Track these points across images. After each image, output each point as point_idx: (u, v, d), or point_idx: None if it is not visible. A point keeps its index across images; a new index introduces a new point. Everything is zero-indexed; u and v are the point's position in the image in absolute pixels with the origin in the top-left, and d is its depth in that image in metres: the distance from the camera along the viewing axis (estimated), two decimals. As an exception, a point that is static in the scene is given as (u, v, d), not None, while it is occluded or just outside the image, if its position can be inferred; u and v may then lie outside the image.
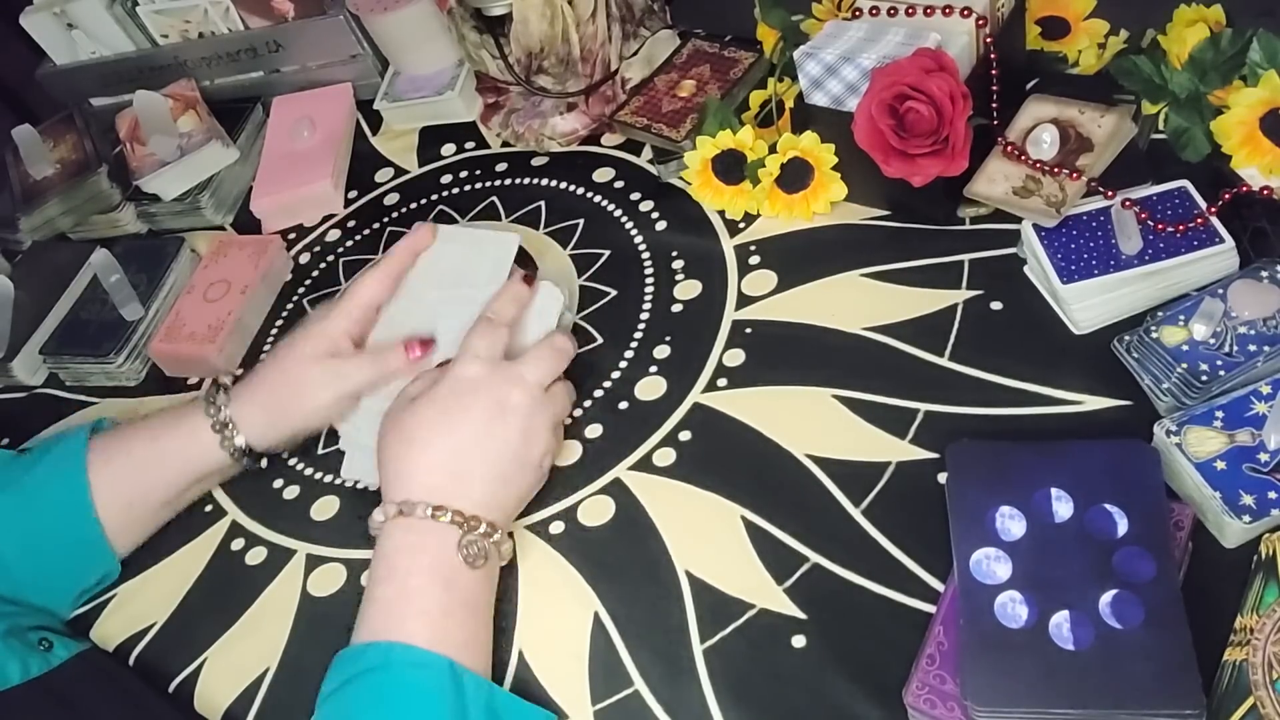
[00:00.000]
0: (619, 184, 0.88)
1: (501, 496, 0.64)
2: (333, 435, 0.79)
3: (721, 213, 0.82)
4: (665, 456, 0.69)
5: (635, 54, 0.94)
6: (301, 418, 0.72)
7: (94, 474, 0.71)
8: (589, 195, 0.89)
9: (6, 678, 0.63)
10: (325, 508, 0.75)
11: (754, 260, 0.78)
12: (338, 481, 0.76)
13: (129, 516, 0.72)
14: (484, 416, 0.64)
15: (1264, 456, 0.56)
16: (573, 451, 0.72)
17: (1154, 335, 0.62)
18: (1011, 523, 0.56)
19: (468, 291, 0.73)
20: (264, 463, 0.76)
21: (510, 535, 0.64)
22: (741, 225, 0.81)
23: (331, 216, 0.97)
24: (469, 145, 0.98)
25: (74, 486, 0.70)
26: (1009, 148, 0.71)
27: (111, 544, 0.72)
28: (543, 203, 0.89)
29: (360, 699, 0.56)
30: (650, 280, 0.80)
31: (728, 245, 0.80)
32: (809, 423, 0.68)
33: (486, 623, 0.62)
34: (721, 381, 0.72)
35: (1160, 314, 0.63)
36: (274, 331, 0.89)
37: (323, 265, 0.93)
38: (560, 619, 0.64)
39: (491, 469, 0.64)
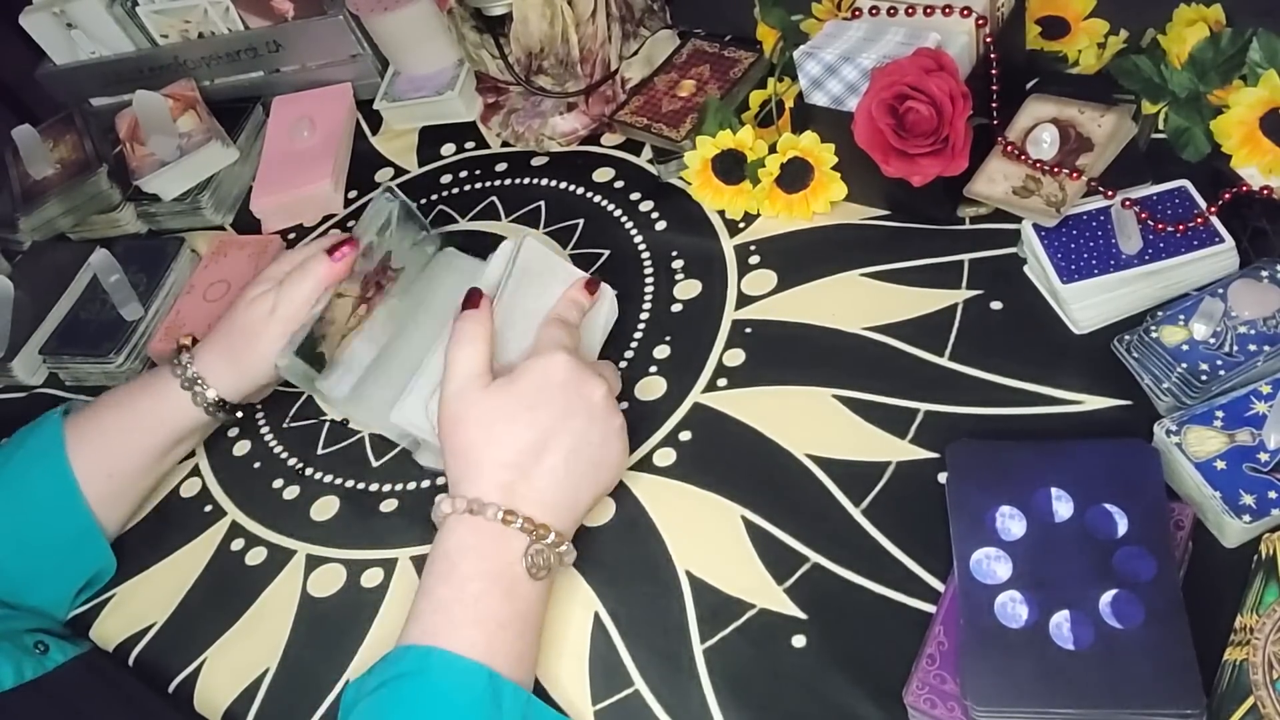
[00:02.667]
0: (619, 184, 0.88)
1: (571, 501, 0.62)
2: (333, 434, 0.79)
3: (721, 212, 0.82)
4: (665, 456, 0.69)
5: (635, 54, 0.94)
6: (263, 362, 0.73)
7: (72, 451, 0.72)
8: (589, 195, 0.89)
9: None
10: (325, 508, 0.75)
11: (754, 260, 0.78)
12: (338, 482, 0.76)
13: (111, 488, 0.73)
14: (567, 411, 0.61)
15: (1264, 456, 0.56)
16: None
17: (1154, 335, 0.62)
18: (1011, 522, 0.56)
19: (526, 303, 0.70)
20: (239, 414, 0.78)
21: (572, 545, 0.62)
22: (741, 225, 0.81)
23: (331, 216, 0.97)
24: (469, 145, 0.98)
25: (56, 467, 0.71)
26: (1009, 147, 0.71)
27: (99, 522, 0.72)
28: (542, 203, 0.89)
29: (396, 703, 0.55)
30: (650, 280, 0.80)
31: (728, 245, 0.80)
32: (809, 422, 0.68)
33: (537, 635, 0.60)
34: (721, 381, 0.72)
35: (1160, 314, 0.63)
36: (274, 331, 0.89)
37: (323, 265, 0.93)
38: (560, 619, 0.64)
39: (568, 470, 0.61)
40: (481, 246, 0.88)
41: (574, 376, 0.62)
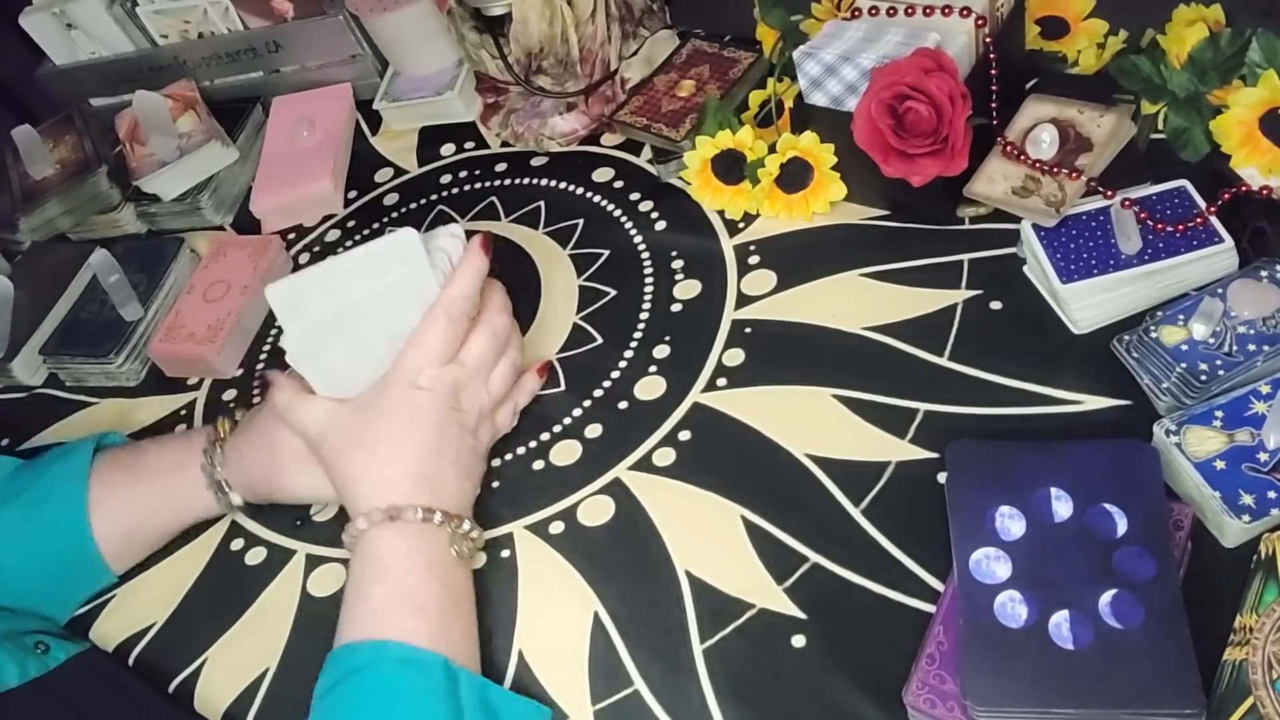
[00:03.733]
0: (618, 184, 0.88)
1: (468, 490, 0.67)
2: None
3: (721, 213, 0.82)
4: (665, 456, 0.69)
5: (635, 54, 0.94)
6: (285, 496, 0.71)
7: (94, 506, 0.70)
8: (588, 195, 0.89)
9: (4, 680, 0.63)
10: (325, 508, 0.75)
11: (753, 260, 0.78)
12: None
13: (127, 546, 0.73)
14: (435, 420, 0.65)
15: (1263, 456, 0.56)
16: (573, 451, 0.72)
17: (1153, 335, 0.62)
18: (1011, 522, 0.56)
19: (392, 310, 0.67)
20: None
21: (478, 527, 0.65)
22: (741, 225, 0.81)
23: (331, 217, 0.97)
24: (469, 145, 0.98)
25: (73, 514, 0.70)
26: (1008, 147, 0.71)
27: (109, 565, 0.72)
28: (542, 203, 0.89)
29: (354, 699, 0.56)
30: (650, 280, 0.80)
31: (727, 245, 0.80)
32: (809, 422, 0.68)
33: (473, 617, 0.63)
34: (721, 381, 0.72)
35: (1160, 314, 0.63)
36: (273, 332, 0.89)
37: (322, 265, 0.93)
38: (560, 619, 0.64)
39: (456, 467, 0.65)
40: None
41: (437, 385, 0.65)
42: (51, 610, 0.73)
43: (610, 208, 0.87)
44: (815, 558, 0.62)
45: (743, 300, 0.76)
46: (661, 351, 0.75)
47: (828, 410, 0.68)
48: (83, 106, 1.11)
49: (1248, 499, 0.55)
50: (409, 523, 0.61)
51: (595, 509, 0.68)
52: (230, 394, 0.85)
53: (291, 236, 0.97)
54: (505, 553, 0.68)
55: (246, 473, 0.71)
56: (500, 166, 0.95)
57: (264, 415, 0.71)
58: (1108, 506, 0.55)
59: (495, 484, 0.72)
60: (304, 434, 0.66)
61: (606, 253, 0.83)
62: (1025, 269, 0.70)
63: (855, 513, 0.63)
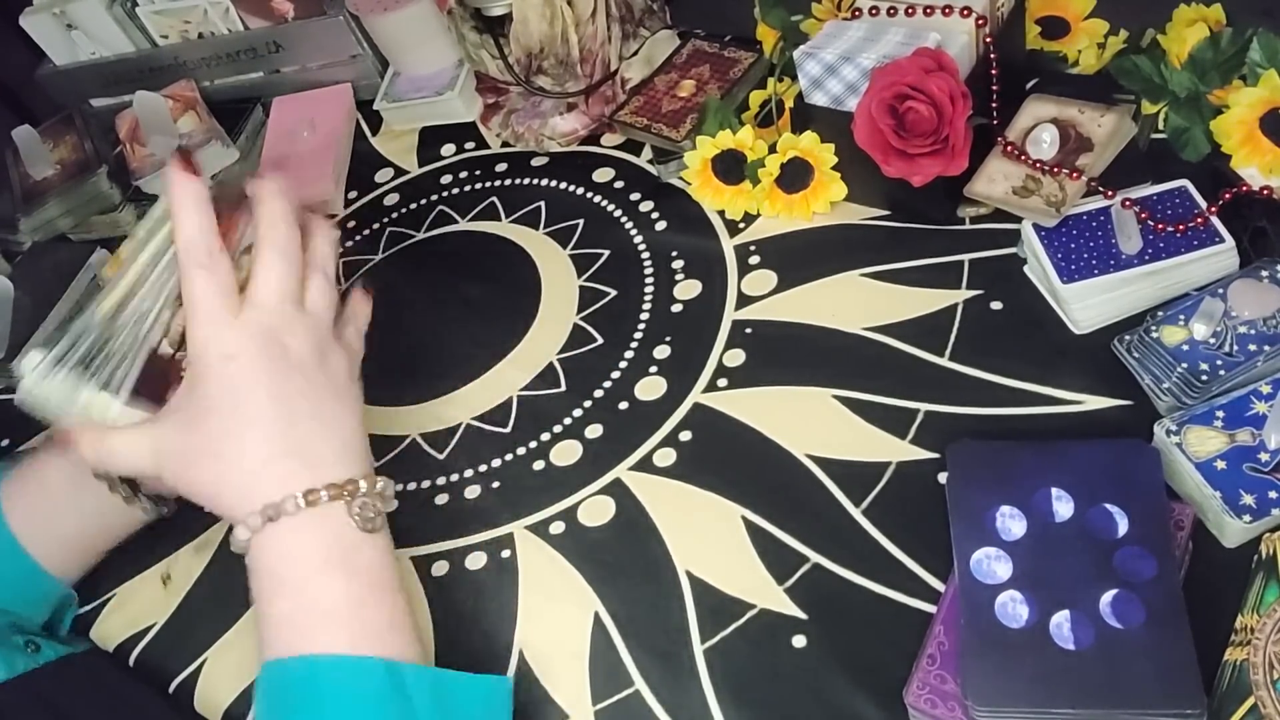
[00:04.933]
0: (619, 184, 0.88)
1: (347, 441, 0.56)
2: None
3: (721, 213, 0.82)
4: (665, 456, 0.69)
5: (635, 54, 0.94)
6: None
7: (17, 530, 0.67)
8: (589, 195, 0.88)
9: None
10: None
11: (754, 260, 0.78)
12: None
13: (67, 559, 0.70)
14: (268, 381, 0.54)
15: (1264, 456, 0.56)
16: (573, 452, 0.72)
17: (1154, 335, 0.62)
18: (1012, 522, 0.56)
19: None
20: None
21: (384, 477, 0.56)
22: (741, 225, 0.81)
23: (332, 217, 0.97)
24: (469, 145, 0.98)
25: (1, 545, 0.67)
26: (1009, 147, 0.71)
27: (60, 579, 0.70)
28: (542, 203, 0.89)
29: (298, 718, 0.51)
30: (650, 280, 0.80)
31: (728, 245, 0.80)
32: (809, 423, 0.68)
33: (400, 596, 0.55)
34: (722, 381, 0.72)
35: (1160, 314, 0.63)
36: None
37: (323, 265, 0.93)
38: (560, 619, 0.64)
39: (318, 421, 0.55)
40: (481, 246, 0.88)
41: (240, 344, 0.54)
42: (23, 615, 0.70)
43: (610, 208, 0.87)
44: (816, 558, 0.62)
45: (743, 300, 0.76)
46: (662, 352, 0.75)
47: (828, 410, 0.68)
48: (83, 106, 1.11)
49: (1248, 499, 0.55)
50: (292, 515, 0.52)
51: (596, 509, 0.68)
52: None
53: (292, 237, 0.96)
54: (505, 553, 0.68)
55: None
56: (500, 167, 0.95)
57: None
58: (1108, 506, 0.55)
59: (495, 484, 0.72)
60: (139, 472, 0.57)
61: (607, 253, 0.83)
62: (1026, 269, 0.70)
63: (856, 513, 0.63)
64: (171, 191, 0.55)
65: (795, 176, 0.77)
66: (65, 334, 0.56)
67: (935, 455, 0.64)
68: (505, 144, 0.96)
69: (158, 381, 0.57)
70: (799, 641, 0.59)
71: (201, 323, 0.54)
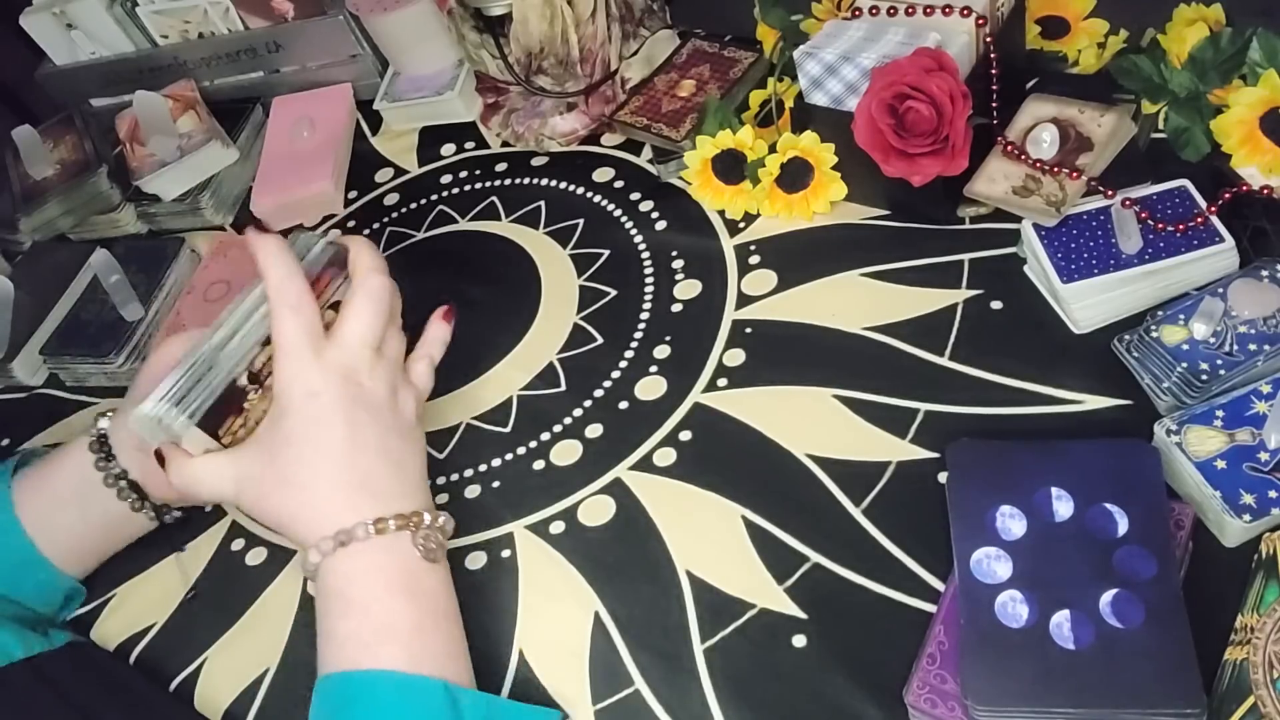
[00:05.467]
0: (619, 184, 0.88)
1: (411, 477, 0.60)
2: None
3: (721, 212, 0.82)
4: (665, 456, 0.69)
5: (635, 54, 0.94)
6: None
7: (30, 529, 0.68)
8: (589, 195, 0.88)
9: (9, 654, 0.63)
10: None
11: (754, 260, 0.78)
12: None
13: (76, 558, 0.71)
14: (345, 419, 0.58)
15: (1264, 456, 0.56)
16: (573, 451, 0.72)
17: (1154, 334, 0.62)
18: (1012, 522, 0.56)
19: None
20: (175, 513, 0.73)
21: (444, 513, 0.60)
22: (741, 225, 0.81)
23: (331, 217, 0.97)
24: (469, 145, 0.98)
25: (10, 537, 0.68)
26: (1009, 147, 0.71)
27: (69, 575, 0.71)
28: (542, 203, 0.89)
29: None
30: (650, 280, 0.80)
31: (728, 245, 0.80)
32: (809, 422, 0.68)
33: (457, 624, 0.59)
34: (722, 381, 0.72)
35: (1160, 313, 0.63)
36: (274, 332, 0.89)
37: (323, 265, 0.93)
38: (560, 619, 0.64)
39: (386, 458, 0.59)
40: (481, 246, 0.88)
41: (324, 381, 0.58)
42: (35, 606, 0.72)
43: (610, 208, 0.87)
44: (816, 558, 0.62)
45: (743, 300, 0.76)
46: (662, 351, 0.75)
47: (828, 410, 0.68)
48: (83, 106, 1.11)
49: (1248, 498, 0.55)
50: (362, 541, 0.56)
51: (596, 509, 0.68)
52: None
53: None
54: (506, 553, 0.68)
55: (139, 459, 0.67)
56: (500, 166, 0.95)
57: (137, 383, 0.67)
58: (1108, 506, 0.55)
59: (495, 484, 0.72)
60: (220, 498, 0.61)
61: (607, 253, 0.83)
62: (1026, 269, 0.70)
63: (856, 513, 0.63)
64: (255, 248, 0.59)
65: (795, 176, 0.77)
66: (184, 370, 0.59)
67: (935, 455, 0.64)
68: (505, 144, 0.96)
69: (223, 411, 0.60)
70: (799, 641, 0.59)
71: (289, 360, 0.58)
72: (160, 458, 0.60)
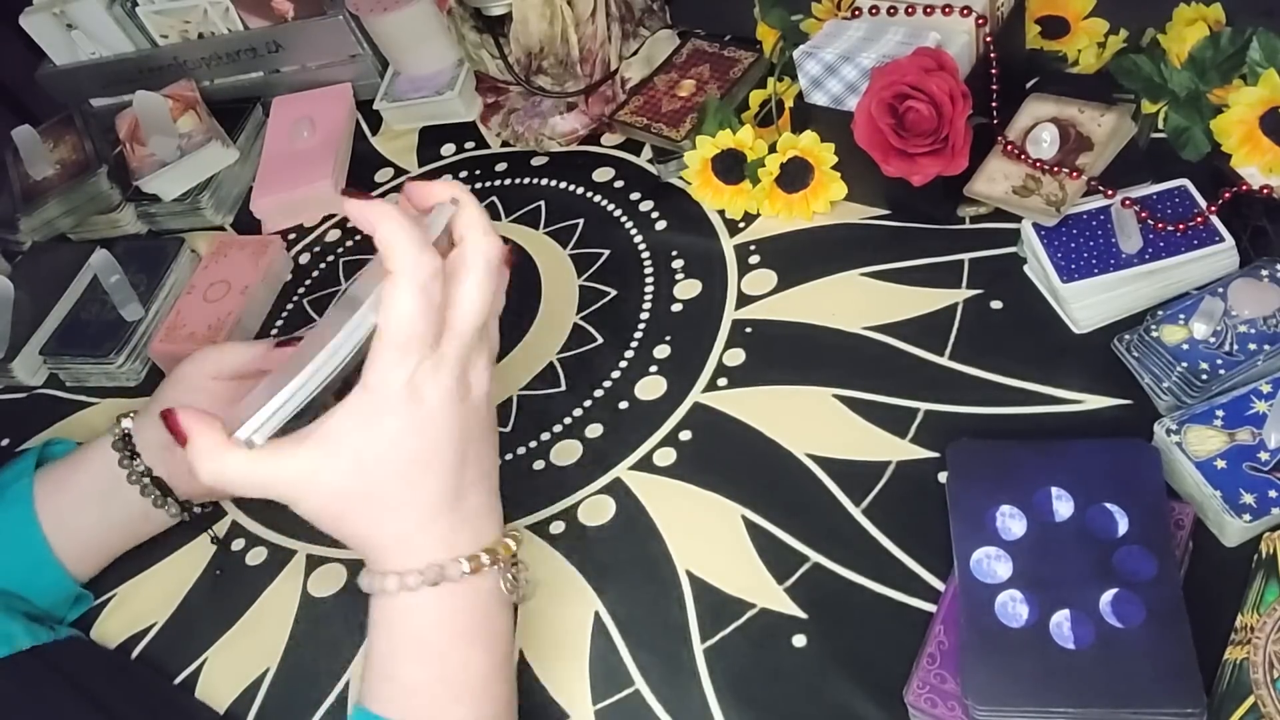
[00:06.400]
0: (619, 184, 0.88)
1: (494, 486, 0.54)
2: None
3: (721, 212, 0.82)
4: (666, 456, 0.69)
5: (635, 54, 0.94)
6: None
7: (47, 530, 0.69)
8: (589, 195, 0.89)
9: (15, 643, 0.63)
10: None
11: (754, 260, 0.78)
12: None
13: (89, 559, 0.72)
14: (455, 427, 0.49)
15: (1264, 455, 0.56)
16: (573, 451, 0.72)
17: (1154, 334, 0.62)
18: (1012, 522, 0.56)
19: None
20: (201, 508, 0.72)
21: (515, 531, 0.55)
22: (741, 225, 0.81)
23: (332, 216, 0.97)
24: (469, 145, 0.98)
25: (27, 537, 0.68)
26: (1009, 147, 0.71)
27: (79, 579, 0.72)
28: (542, 203, 0.89)
29: None
30: (650, 280, 0.80)
31: (728, 245, 0.80)
32: (809, 422, 0.68)
33: (513, 668, 0.55)
34: (722, 381, 0.72)
35: (1160, 313, 0.63)
36: (274, 331, 0.89)
37: (323, 265, 0.93)
38: (560, 619, 0.64)
39: (481, 471, 0.52)
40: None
41: (433, 389, 0.48)
42: (43, 609, 0.72)
43: (610, 208, 0.87)
44: (816, 557, 0.62)
45: (743, 300, 0.76)
46: (662, 351, 0.75)
47: (828, 410, 0.68)
48: (83, 106, 1.11)
49: (1248, 498, 0.55)
50: (455, 583, 0.50)
51: (596, 509, 0.68)
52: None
53: (292, 236, 0.97)
54: (506, 553, 0.68)
55: (165, 457, 0.67)
56: (500, 166, 0.95)
57: (164, 387, 0.67)
58: (1108, 506, 0.55)
59: (496, 484, 0.72)
60: (279, 498, 0.50)
61: (607, 253, 0.83)
62: (1026, 268, 0.70)
63: (856, 512, 0.63)
64: (373, 218, 0.47)
65: (795, 176, 0.77)
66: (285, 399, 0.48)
67: (935, 455, 0.64)
68: (505, 144, 0.96)
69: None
70: (799, 641, 0.59)
71: (403, 352, 0.47)
72: (177, 431, 0.49)
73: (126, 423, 0.69)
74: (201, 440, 0.48)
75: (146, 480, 0.68)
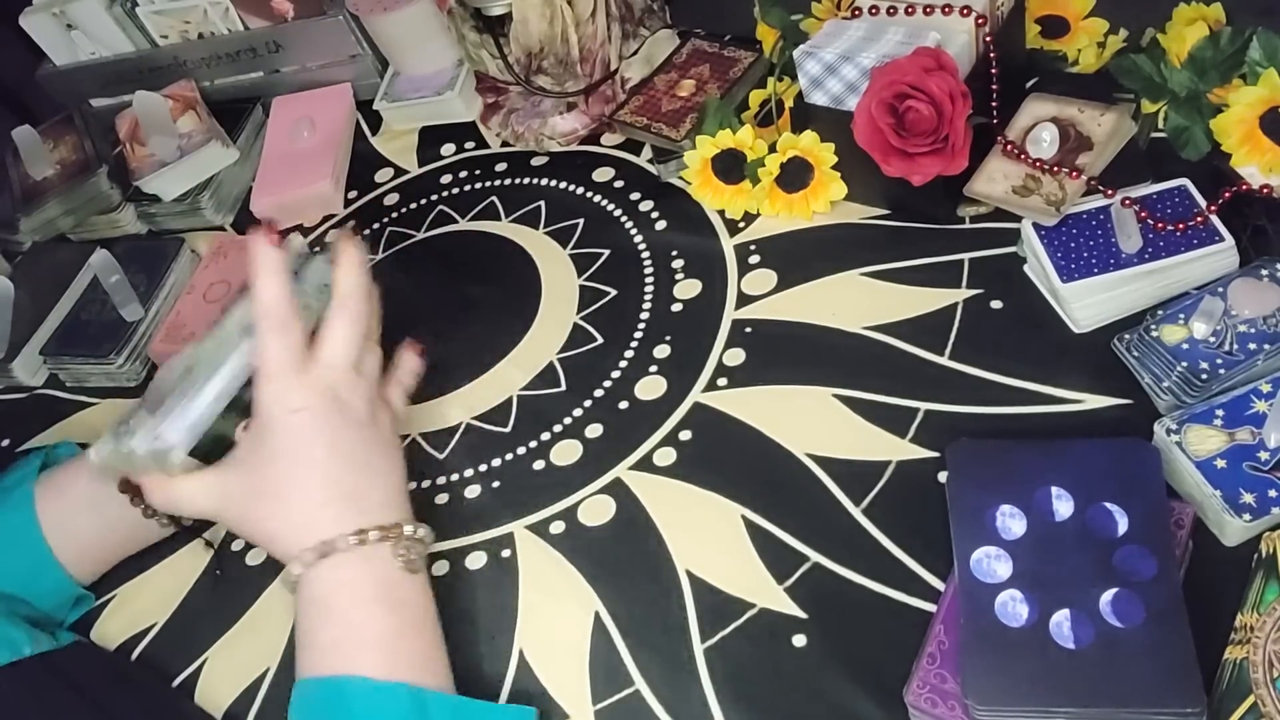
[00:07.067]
0: (619, 184, 0.88)
1: (393, 487, 0.62)
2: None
3: (721, 212, 0.82)
4: (665, 456, 0.69)
5: (635, 54, 0.94)
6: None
7: (48, 532, 0.69)
8: (589, 195, 0.88)
9: (19, 649, 0.63)
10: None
11: (754, 260, 0.78)
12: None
13: (90, 562, 0.72)
14: (329, 433, 0.60)
15: (1264, 455, 0.56)
16: (573, 451, 0.72)
17: (1154, 334, 0.62)
18: (1012, 521, 0.56)
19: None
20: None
21: (424, 525, 0.61)
22: (741, 225, 0.81)
23: (331, 217, 0.97)
24: (469, 145, 0.98)
25: (29, 540, 0.69)
26: (1009, 146, 0.71)
27: (81, 581, 0.72)
28: (542, 203, 0.89)
29: None
30: (650, 280, 0.80)
31: (728, 245, 0.80)
32: (809, 422, 0.68)
33: (436, 632, 0.60)
34: (722, 381, 0.72)
35: (1160, 312, 0.63)
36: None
37: (323, 265, 0.93)
38: (560, 619, 0.64)
39: (369, 470, 0.60)
40: (481, 246, 0.88)
41: (305, 398, 0.59)
42: (45, 611, 0.72)
43: (610, 207, 0.87)
44: (816, 557, 0.62)
45: (743, 300, 0.76)
46: (662, 351, 0.75)
47: (828, 410, 0.68)
48: (83, 106, 1.11)
49: (1248, 498, 0.55)
50: (344, 552, 0.57)
51: (596, 509, 0.68)
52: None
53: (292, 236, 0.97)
54: (505, 553, 0.68)
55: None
56: (500, 166, 0.95)
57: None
58: (1109, 505, 0.55)
59: (495, 484, 0.72)
60: (203, 514, 0.62)
61: (607, 252, 0.83)
62: (1026, 268, 0.70)
63: (856, 512, 0.63)
64: (253, 258, 0.60)
65: (795, 176, 0.77)
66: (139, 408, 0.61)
67: (935, 454, 0.64)
68: (505, 144, 0.96)
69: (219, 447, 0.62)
70: (799, 641, 0.59)
71: (273, 380, 0.59)
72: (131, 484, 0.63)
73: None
74: (151, 483, 0.62)
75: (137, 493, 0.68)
